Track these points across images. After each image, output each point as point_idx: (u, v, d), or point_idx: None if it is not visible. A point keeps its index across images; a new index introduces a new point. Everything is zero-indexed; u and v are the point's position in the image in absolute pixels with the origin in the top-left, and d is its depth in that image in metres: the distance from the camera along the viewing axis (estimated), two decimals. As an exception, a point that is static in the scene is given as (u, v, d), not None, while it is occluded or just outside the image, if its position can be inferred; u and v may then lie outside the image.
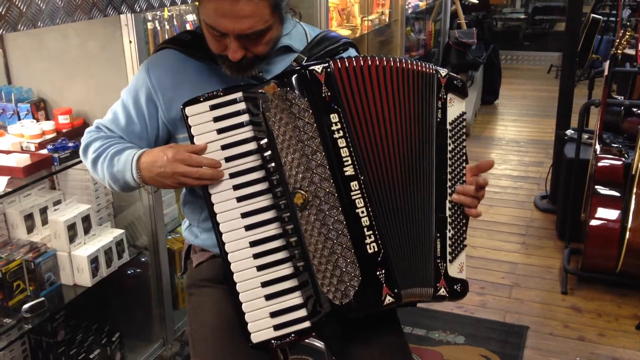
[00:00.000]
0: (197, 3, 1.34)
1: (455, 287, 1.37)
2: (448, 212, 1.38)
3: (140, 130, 1.47)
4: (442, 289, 1.36)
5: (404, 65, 1.34)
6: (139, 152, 1.37)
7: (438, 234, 1.37)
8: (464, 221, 1.40)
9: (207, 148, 1.29)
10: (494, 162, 1.42)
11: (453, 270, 1.38)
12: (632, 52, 4.29)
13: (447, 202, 1.38)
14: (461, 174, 1.40)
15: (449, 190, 1.38)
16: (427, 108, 1.37)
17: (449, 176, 1.38)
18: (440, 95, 1.38)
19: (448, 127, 1.39)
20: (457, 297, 1.38)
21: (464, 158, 1.41)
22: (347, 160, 1.27)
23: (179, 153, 1.29)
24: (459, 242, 1.39)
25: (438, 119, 1.38)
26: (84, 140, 1.51)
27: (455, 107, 1.40)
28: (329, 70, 1.28)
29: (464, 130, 1.42)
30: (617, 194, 2.88)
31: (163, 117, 1.46)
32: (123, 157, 1.39)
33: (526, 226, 3.70)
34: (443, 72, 1.39)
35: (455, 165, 1.39)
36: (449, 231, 1.38)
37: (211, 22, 1.28)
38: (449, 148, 1.38)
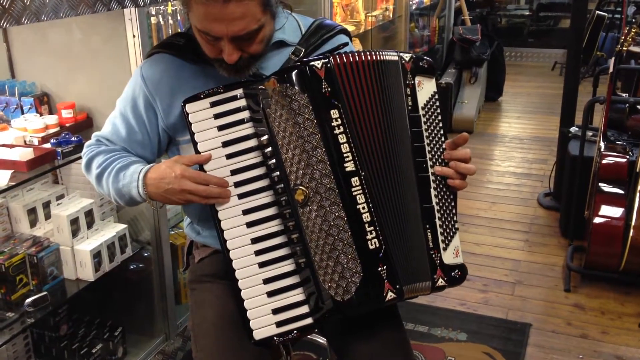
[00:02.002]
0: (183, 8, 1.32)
1: (453, 274, 1.36)
2: (434, 200, 1.36)
3: (142, 138, 1.46)
4: (440, 279, 1.35)
5: (375, 57, 1.32)
6: (146, 168, 1.35)
7: (427, 225, 1.35)
8: (452, 204, 1.38)
9: (211, 157, 1.28)
10: (468, 136, 1.38)
11: (448, 257, 1.36)
12: (637, 49, 4.28)
13: (432, 190, 1.36)
14: (442, 159, 1.37)
15: (432, 177, 1.36)
16: (398, 98, 1.34)
17: (429, 163, 1.36)
18: (407, 81, 1.35)
19: (421, 112, 1.36)
20: (457, 283, 1.36)
21: (443, 140, 1.38)
22: (348, 156, 1.26)
23: (187, 170, 1.28)
24: (449, 227, 1.37)
25: (409, 107, 1.35)
26: (85, 155, 1.48)
27: (425, 89, 1.37)
28: (328, 65, 1.27)
29: (439, 111, 1.38)
30: (621, 192, 2.87)
31: (162, 124, 1.45)
32: (129, 173, 1.37)
33: (529, 223, 3.70)
34: (407, 56, 1.36)
35: (435, 150, 1.37)
36: (438, 219, 1.36)
37: (203, 27, 1.26)
38: (425, 134, 1.36)
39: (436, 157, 1.37)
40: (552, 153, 4.59)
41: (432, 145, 1.36)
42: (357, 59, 1.30)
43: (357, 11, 4.20)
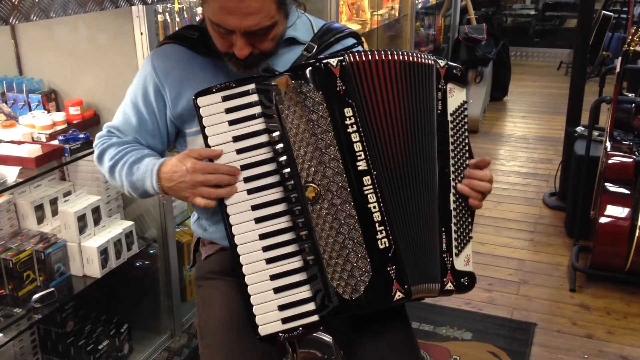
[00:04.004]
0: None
1: (462, 280, 1.37)
2: (452, 205, 1.37)
3: (152, 127, 1.47)
4: (449, 283, 1.35)
5: (406, 58, 1.33)
6: (159, 162, 1.36)
7: (443, 228, 1.36)
8: (469, 212, 1.39)
9: (222, 152, 1.29)
10: (489, 160, 1.40)
11: (459, 263, 1.37)
12: (643, 49, 4.26)
13: (451, 195, 1.37)
14: (464, 165, 1.38)
15: (452, 183, 1.37)
16: (427, 100, 1.36)
17: (452, 168, 1.37)
18: (439, 86, 1.37)
19: (449, 118, 1.37)
20: (465, 290, 1.37)
21: (467, 149, 1.39)
22: (360, 155, 1.27)
23: (198, 163, 1.28)
24: (464, 234, 1.38)
25: (439, 111, 1.36)
26: (97, 147, 1.49)
27: (456, 97, 1.39)
28: (343, 63, 1.28)
29: (466, 120, 1.40)
30: (627, 192, 2.86)
31: (169, 114, 1.46)
32: (143, 166, 1.38)
33: (534, 223, 3.69)
34: (442, 62, 1.38)
35: (458, 157, 1.38)
36: (454, 224, 1.37)
37: (217, 19, 1.27)
38: (451, 140, 1.37)
39: (459, 163, 1.38)
40: (557, 153, 4.59)
41: (456, 152, 1.37)
42: (377, 57, 1.31)
43: (363, 10, 4.20)
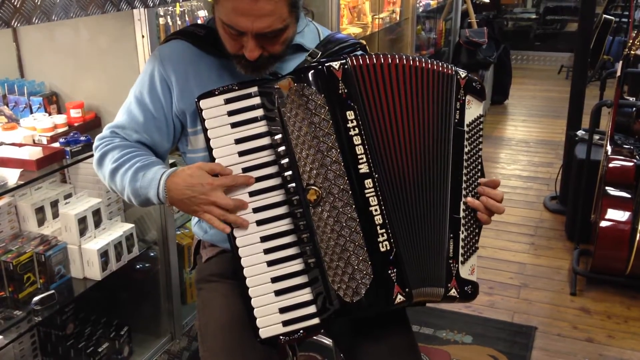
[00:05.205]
0: (211, 0, 1.33)
1: (466, 288, 1.37)
2: (462, 214, 1.37)
3: (159, 122, 1.44)
4: (453, 290, 1.35)
5: (423, 65, 1.34)
6: (168, 172, 1.33)
7: (451, 235, 1.36)
8: (477, 223, 1.39)
9: (232, 173, 1.28)
10: (499, 181, 1.42)
11: (464, 272, 1.37)
12: (644, 53, 4.26)
13: (462, 203, 1.37)
14: (476, 176, 1.39)
15: (463, 192, 1.37)
16: (445, 108, 1.36)
17: (464, 177, 1.37)
18: (459, 96, 1.37)
19: (465, 128, 1.38)
20: (468, 298, 1.37)
21: (480, 161, 1.40)
22: (362, 158, 1.27)
23: (217, 180, 1.26)
24: (471, 243, 1.38)
25: (456, 120, 1.37)
26: (98, 148, 1.45)
27: (473, 109, 1.40)
28: (346, 67, 1.28)
29: (481, 133, 1.41)
30: (628, 196, 2.86)
31: (175, 108, 1.45)
32: (150, 174, 1.34)
33: (535, 227, 3.69)
34: (462, 73, 1.39)
35: (471, 167, 1.38)
36: (462, 232, 1.37)
37: (229, 20, 1.27)
38: (466, 150, 1.38)
39: (472, 173, 1.38)
40: (558, 156, 4.59)
41: (469, 162, 1.38)
42: (382, 61, 1.31)
43: (364, 13, 4.20)
